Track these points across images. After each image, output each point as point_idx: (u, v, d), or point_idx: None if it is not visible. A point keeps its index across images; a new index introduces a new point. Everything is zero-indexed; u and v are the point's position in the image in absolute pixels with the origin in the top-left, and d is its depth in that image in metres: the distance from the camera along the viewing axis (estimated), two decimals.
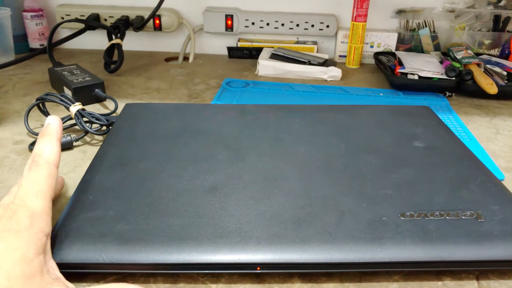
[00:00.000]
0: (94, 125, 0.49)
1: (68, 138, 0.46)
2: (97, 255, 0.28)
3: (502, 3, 0.81)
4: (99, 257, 0.28)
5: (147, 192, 0.35)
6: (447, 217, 0.33)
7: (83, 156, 0.46)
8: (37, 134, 0.48)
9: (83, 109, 0.49)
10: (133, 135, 0.44)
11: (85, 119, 0.49)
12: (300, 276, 0.30)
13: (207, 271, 0.29)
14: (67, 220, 0.31)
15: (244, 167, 0.39)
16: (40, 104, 0.50)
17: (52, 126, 0.32)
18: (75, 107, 0.48)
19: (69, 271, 0.28)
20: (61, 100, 0.49)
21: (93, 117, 0.48)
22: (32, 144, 0.47)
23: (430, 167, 0.40)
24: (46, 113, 0.50)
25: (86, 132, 0.48)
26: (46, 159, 0.30)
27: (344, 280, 0.30)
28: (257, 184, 0.36)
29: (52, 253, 0.28)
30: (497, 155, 0.50)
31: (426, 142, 0.44)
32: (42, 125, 0.50)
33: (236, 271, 0.29)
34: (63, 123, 0.49)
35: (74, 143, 0.47)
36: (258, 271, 0.29)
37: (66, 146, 0.46)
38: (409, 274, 0.31)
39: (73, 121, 0.49)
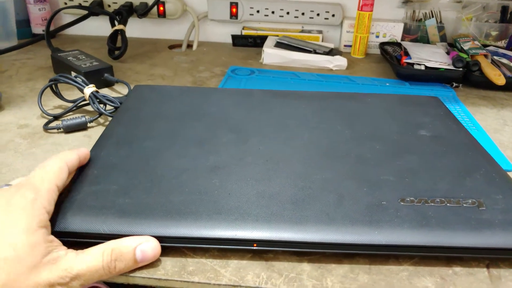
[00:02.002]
0: (107, 107, 0.49)
1: (83, 119, 0.46)
2: (98, 225, 0.29)
3: None
4: (100, 228, 0.29)
5: (150, 170, 0.35)
6: (448, 204, 0.32)
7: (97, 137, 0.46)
8: (50, 115, 0.49)
9: (97, 91, 0.49)
10: (140, 115, 0.44)
11: (100, 103, 0.48)
12: (309, 261, 0.30)
13: (203, 246, 0.30)
14: (72, 192, 0.32)
15: (247, 149, 0.39)
16: (53, 85, 0.50)
17: (82, 150, 0.35)
18: (90, 89, 0.48)
19: (71, 239, 0.29)
20: (75, 81, 0.49)
21: (107, 99, 0.48)
22: (47, 124, 0.47)
23: (434, 155, 0.39)
24: (58, 94, 0.50)
25: (100, 114, 0.48)
26: (62, 158, 0.32)
27: (354, 266, 0.30)
28: (258, 165, 0.36)
29: (56, 221, 0.29)
30: (505, 146, 0.49)
31: (433, 131, 0.44)
32: (54, 107, 0.51)
33: (232, 246, 0.30)
34: (77, 104, 0.49)
35: (89, 124, 0.47)
36: (254, 247, 0.29)
37: (81, 127, 0.47)
38: (418, 262, 0.31)
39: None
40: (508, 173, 0.44)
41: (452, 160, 0.39)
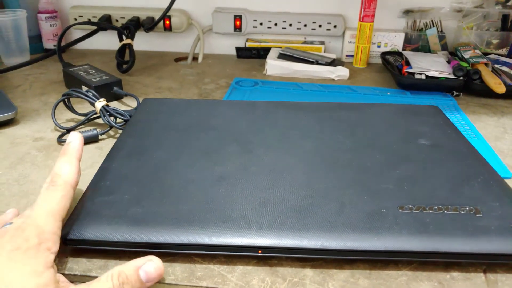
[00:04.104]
0: (117, 120, 0.51)
1: (94, 132, 0.48)
2: (112, 234, 0.31)
3: (510, 3, 0.82)
4: (114, 236, 0.31)
5: (160, 180, 0.37)
6: (446, 211, 0.34)
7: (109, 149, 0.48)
8: (63, 128, 0.51)
9: (107, 105, 0.51)
10: (149, 127, 0.46)
11: (110, 116, 0.50)
12: (312, 266, 0.32)
13: (211, 252, 0.31)
14: (86, 202, 0.34)
15: (252, 159, 0.40)
16: (66, 100, 0.52)
17: (73, 145, 0.34)
18: (100, 103, 0.50)
19: (86, 247, 0.31)
20: (86, 96, 0.51)
21: (117, 112, 0.50)
22: (61, 136, 0.49)
23: (433, 164, 0.41)
24: (71, 108, 0.52)
25: (111, 127, 0.50)
26: (64, 179, 0.31)
27: (355, 271, 0.31)
28: (263, 175, 0.38)
29: (71, 230, 0.31)
30: (505, 154, 0.50)
31: (432, 140, 0.45)
32: (68, 120, 0.53)
33: (238, 253, 0.31)
34: (89, 118, 0.51)
35: (100, 137, 0.49)
36: (259, 254, 0.31)
37: (92, 139, 0.49)
38: (417, 267, 0.32)
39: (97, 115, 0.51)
40: (507, 180, 0.45)
41: (451, 168, 0.40)
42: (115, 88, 0.60)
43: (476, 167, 0.41)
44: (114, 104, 0.61)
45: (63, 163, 0.32)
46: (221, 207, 0.34)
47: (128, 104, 0.61)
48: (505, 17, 0.81)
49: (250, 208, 0.33)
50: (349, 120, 0.49)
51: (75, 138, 0.34)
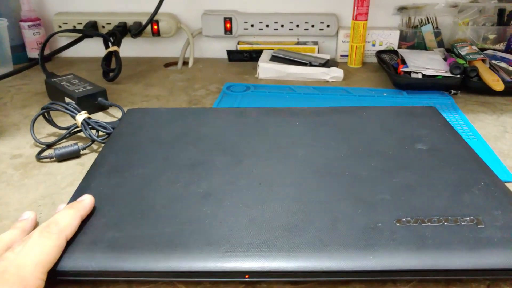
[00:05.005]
0: (100, 133, 0.49)
1: (76, 147, 0.46)
2: (86, 262, 0.29)
3: None
4: (88, 265, 0.28)
5: (141, 199, 0.35)
6: (445, 223, 0.32)
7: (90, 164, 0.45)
8: (43, 144, 0.48)
9: (89, 118, 0.49)
10: (132, 140, 0.44)
11: (92, 129, 0.48)
12: None
13: (194, 279, 0.29)
14: None
15: (240, 172, 0.38)
16: (45, 113, 0.50)
17: (84, 204, 0.32)
18: (81, 116, 0.48)
19: (58, 278, 0.28)
20: (67, 109, 0.49)
21: (99, 125, 0.48)
22: (40, 153, 0.47)
23: (431, 170, 0.38)
24: (51, 122, 0.50)
25: (93, 141, 0.48)
26: (61, 229, 0.29)
27: None
28: (251, 189, 0.36)
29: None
30: (506, 155, 0.48)
31: (430, 144, 0.43)
32: (48, 134, 0.50)
33: (224, 279, 0.29)
34: (70, 131, 0.49)
35: (81, 152, 0.47)
36: (246, 279, 0.29)
37: (74, 155, 0.46)
38: (416, 285, 0.30)
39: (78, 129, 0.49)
40: (509, 184, 0.43)
41: (450, 174, 0.38)
42: (99, 99, 0.58)
43: (476, 172, 0.39)
44: (99, 115, 0.58)
45: (66, 214, 0.30)
46: (205, 228, 0.31)
47: (114, 114, 0.59)
48: (501, 11, 0.79)
49: (236, 228, 0.31)
50: (343, 126, 0.47)
51: (87, 199, 0.33)
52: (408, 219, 0.32)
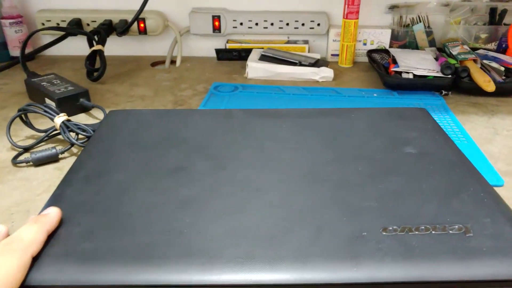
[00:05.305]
0: (80, 136, 0.47)
1: (53, 150, 0.44)
2: (56, 276, 0.27)
3: None
4: (58, 279, 0.27)
5: (118, 207, 0.33)
6: (433, 232, 0.30)
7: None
8: (20, 147, 0.47)
9: (68, 120, 0.47)
10: (112, 144, 0.42)
11: (71, 132, 0.46)
12: None
13: None
14: None
15: (223, 177, 0.37)
16: (23, 115, 0.48)
17: (49, 217, 0.30)
18: (60, 118, 0.46)
19: None
20: (45, 111, 0.47)
21: (79, 128, 0.46)
22: (16, 157, 0.45)
23: (420, 175, 0.37)
24: (29, 124, 0.48)
25: (72, 144, 0.46)
26: (25, 246, 0.27)
27: None
28: (233, 196, 0.34)
29: None
30: (496, 158, 0.47)
31: (419, 148, 0.42)
32: (27, 137, 0.49)
33: None
34: (48, 134, 0.47)
35: (60, 155, 0.45)
36: None
37: (51, 159, 0.45)
38: None
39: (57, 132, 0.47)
40: (500, 188, 0.42)
41: (439, 180, 0.37)
42: (81, 100, 0.56)
43: (466, 177, 0.37)
44: (82, 117, 0.56)
45: (30, 230, 0.28)
46: (183, 238, 0.30)
47: (97, 116, 0.57)
48: (493, 10, 0.78)
49: (216, 239, 0.30)
50: (330, 128, 0.46)
51: (53, 212, 0.31)
52: (394, 227, 0.31)
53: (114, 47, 0.82)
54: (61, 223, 0.31)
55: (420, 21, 0.80)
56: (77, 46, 0.81)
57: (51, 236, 0.30)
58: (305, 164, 0.39)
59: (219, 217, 0.32)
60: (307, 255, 0.28)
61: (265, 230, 0.31)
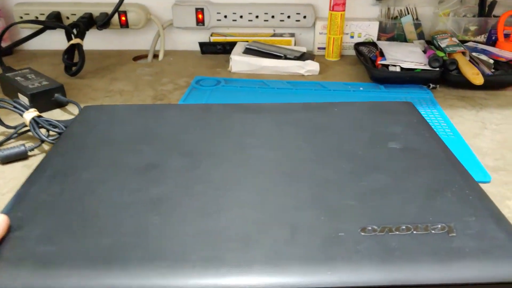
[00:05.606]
0: (51, 133, 0.45)
1: (22, 148, 0.42)
2: (9, 282, 0.25)
3: None
4: (12, 285, 0.25)
5: (84, 207, 0.31)
6: (415, 232, 0.29)
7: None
8: None
9: (39, 116, 0.45)
10: (84, 141, 0.40)
11: (42, 128, 0.44)
12: None
13: None
14: None
15: (197, 176, 0.35)
16: None
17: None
18: (29, 114, 0.44)
19: None
20: (14, 106, 0.45)
21: (50, 124, 0.44)
22: None
23: (403, 172, 0.36)
24: None
25: (43, 141, 0.44)
26: None
27: None
28: (207, 195, 0.33)
29: None
30: (484, 153, 0.46)
31: (403, 143, 0.40)
32: None
33: None
34: (17, 131, 0.45)
35: (30, 153, 0.43)
36: None
37: (20, 157, 0.43)
38: None
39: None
40: (487, 184, 0.41)
41: (423, 176, 0.35)
42: (56, 95, 0.54)
43: (451, 173, 0.36)
44: (56, 113, 0.54)
45: None
46: (149, 240, 0.28)
47: (73, 112, 0.55)
48: (482, 2, 0.77)
49: (185, 241, 0.28)
50: (313, 123, 0.44)
51: (0, 220, 0.29)
52: (374, 227, 0.29)
53: (95, 41, 0.80)
54: (22, 225, 0.29)
55: (408, 13, 0.78)
56: (57, 40, 0.79)
57: (9, 239, 0.28)
58: (285, 161, 0.38)
59: (190, 217, 0.30)
60: (279, 257, 0.27)
61: (238, 231, 0.29)
